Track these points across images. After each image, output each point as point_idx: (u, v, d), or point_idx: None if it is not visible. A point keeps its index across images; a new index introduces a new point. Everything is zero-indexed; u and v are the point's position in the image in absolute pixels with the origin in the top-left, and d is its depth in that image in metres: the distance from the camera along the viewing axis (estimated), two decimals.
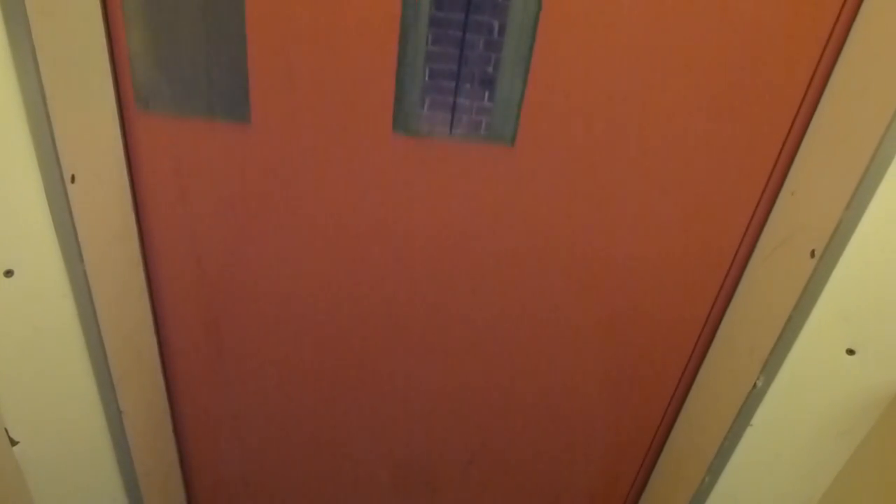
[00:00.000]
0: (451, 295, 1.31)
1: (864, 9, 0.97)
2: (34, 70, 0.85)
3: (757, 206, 1.16)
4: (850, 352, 1.07)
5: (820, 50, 1.02)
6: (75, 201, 0.97)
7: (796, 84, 1.05)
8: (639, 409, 1.48)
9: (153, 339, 1.35)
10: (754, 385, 1.14)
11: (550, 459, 1.59)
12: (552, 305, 1.31)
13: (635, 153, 1.13)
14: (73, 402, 1.14)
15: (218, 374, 1.44)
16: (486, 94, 1.07)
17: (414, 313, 1.34)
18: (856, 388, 1.11)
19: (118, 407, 1.18)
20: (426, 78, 1.06)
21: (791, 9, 0.99)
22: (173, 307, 1.33)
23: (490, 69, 1.05)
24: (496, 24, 1.01)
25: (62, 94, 0.91)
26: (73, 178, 0.96)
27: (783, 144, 1.10)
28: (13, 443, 1.14)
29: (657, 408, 1.47)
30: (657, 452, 1.56)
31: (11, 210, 0.94)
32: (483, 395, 1.47)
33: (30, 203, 0.94)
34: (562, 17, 1.01)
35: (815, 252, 1.01)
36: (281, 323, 1.36)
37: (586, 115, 1.09)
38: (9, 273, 0.98)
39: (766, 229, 1.17)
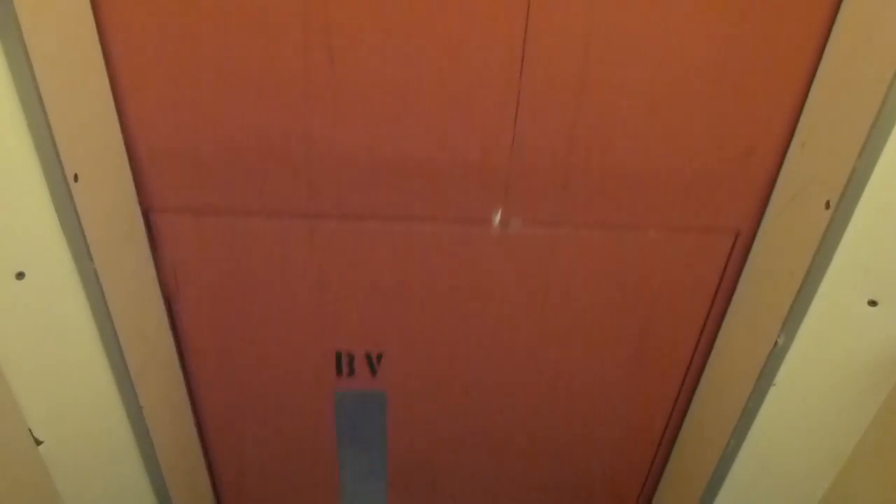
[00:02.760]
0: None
1: None
2: (28, 70, 0.85)
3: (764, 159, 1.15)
4: (873, 303, 1.05)
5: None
6: (80, 201, 0.97)
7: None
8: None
9: (168, 334, 1.35)
10: (775, 343, 1.12)
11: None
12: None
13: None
14: (93, 399, 1.15)
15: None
16: None
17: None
18: (881, 339, 1.09)
19: (138, 402, 1.19)
20: None
21: None
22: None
23: None
24: None
25: (58, 93, 0.91)
26: (76, 178, 0.96)
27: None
28: (38, 442, 1.15)
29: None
30: (680, 418, 1.55)
31: (17, 212, 0.94)
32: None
33: (35, 204, 0.94)
34: None
35: (830, 203, 0.99)
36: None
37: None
38: (20, 275, 0.99)
39: (778, 183, 1.15)
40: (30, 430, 1.14)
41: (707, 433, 1.40)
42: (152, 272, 1.26)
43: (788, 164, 1.12)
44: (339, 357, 1.44)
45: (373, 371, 1.47)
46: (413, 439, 1.62)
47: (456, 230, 1.26)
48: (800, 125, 1.09)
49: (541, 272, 1.32)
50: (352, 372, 1.47)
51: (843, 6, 0.99)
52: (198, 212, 1.22)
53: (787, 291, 1.08)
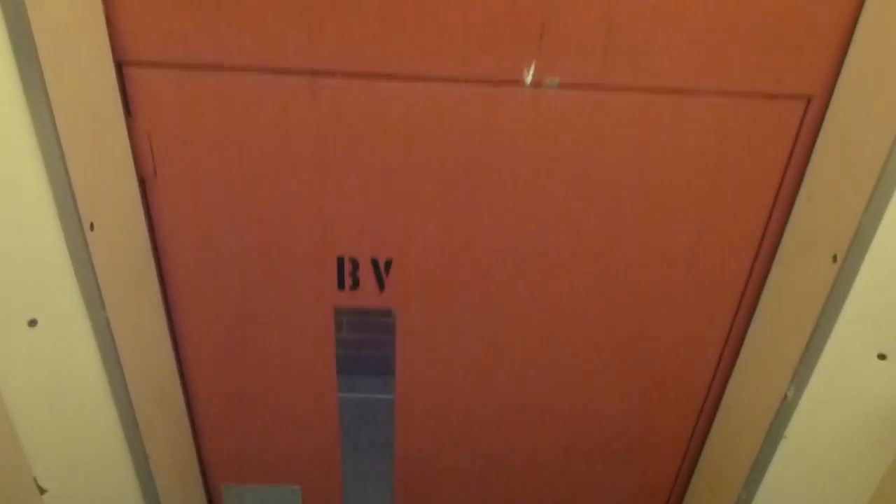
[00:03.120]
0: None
1: (867, 14, 0.97)
2: (50, 121, 0.87)
3: (772, 211, 1.15)
4: (882, 356, 1.05)
5: (827, 53, 1.02)
6: (95, 249, 0.98)
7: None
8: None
9: (177, 383, 1.35)
10: (785, 395, 1.11)
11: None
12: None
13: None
14: (99, 447, 1.14)
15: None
16: None
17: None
18: (891, 392, 1.09)
19: (144, 451, 1.18)
20: None
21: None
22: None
23: None
24: None
25: (78, 143, 0.93)
26: (91, 226, 0.97)
27: (793, 147, 1.10)
28: (42, 491, 1.14)
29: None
30: (690, 470, 1.53)
31: (33, 260, 0.95)
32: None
33: (50, 252, 0.95)
34: None
35: (837, 257, 1.00)
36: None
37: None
38: (32, 322, 1.00)
39: (785, 235, 1.16)
40: (34, 479, 1.13)
41: (718, 486, 1.38)
42: (163, 321, 1.27)
43: (795, 217, 1.13)
44: (341, 265, 1.22)
45: (380, 283, 1.24)
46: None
47: (481, 91, 1.04)
48: (806, 178, 1.11)
49: (580, 143, 1.10)
50: (355, 284, 1.24)
51: (846, 67, 1.01)
52: (180, 66, 1.03)
53: (795, 344, 1.08)
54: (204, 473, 1.54)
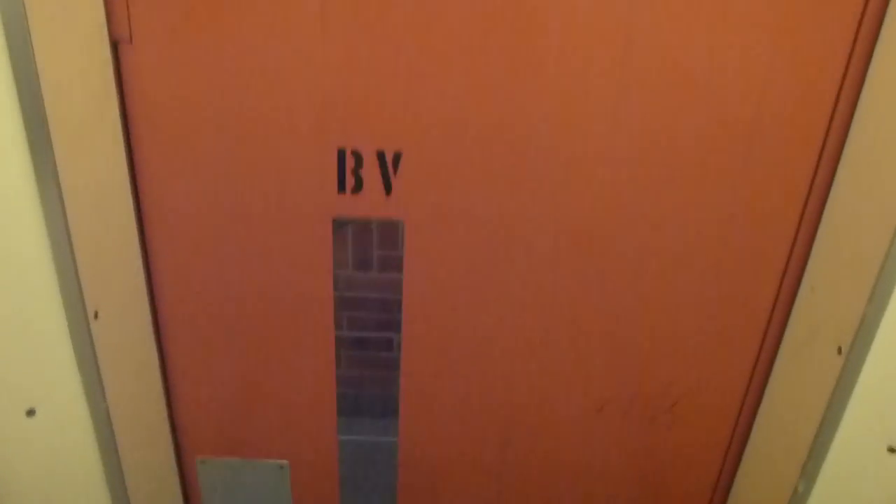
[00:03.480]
0: None
1: (863, 105, 1.00)
2: (60, 209, 0.88)
3: (776, 301, 1.16)
4: (892, 450, 1.03)
5: (819, 149, 1.05)
6: (98, 338, 0.98)
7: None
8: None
9: (175, 476, 1.32)
10: (795, 490, 1.09)
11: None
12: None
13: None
14: None
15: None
16: None
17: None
18: None
19: None
20: None
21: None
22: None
23: None
24: None
25: (87, 232, 0.93)
26: (96, 315, 0.97)
27: (795, 238, 1.11)
28: None
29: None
30: None
31: (34, 349, 0.95)
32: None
33: (53, 341, 0.95)
34: None
35: (842, 349, 1.00)
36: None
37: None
38: (31, 412, 0.98)
39: (788, 326, 1.16)
40: None
41: None
42: (163, 411, 1.25)
43: (798, 308, 1.14)
44: (342, 160, 1.04)
45: (386, 184, 1.06)
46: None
47: None
48: (808, 269, 1.11)
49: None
50: (358, 185, 1.06)
51: (845, 154, 1.04)
52: None
53: (803, 437, 1.07)
54: (176, 444, 1.36)
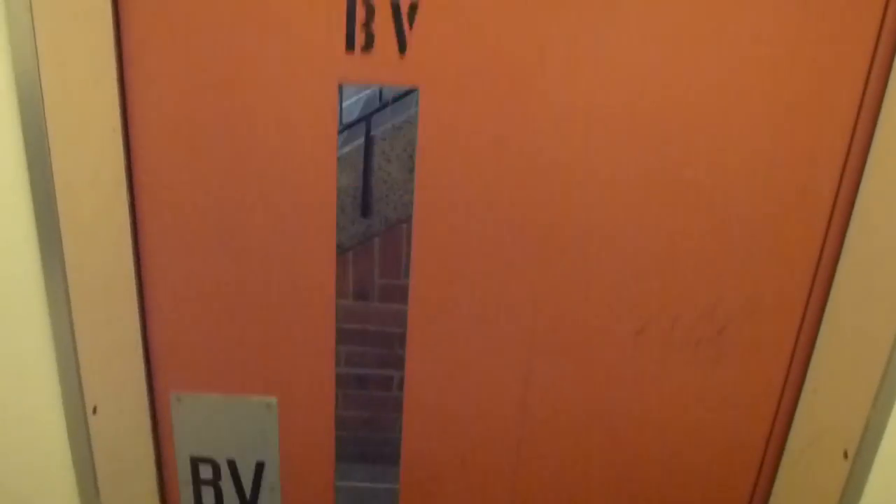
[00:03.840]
0: None
1: (860, 209, 1.02)
2: (65, 305, 0.88)
3: (779, 405, 1.15)
4: None
5: (820, 247, 1.06)
6: (95, 433, 0.97)
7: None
8: None
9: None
10: None
11: None
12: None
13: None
14: None
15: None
16: None
17: None
18: None
19: None
20: None
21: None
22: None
23: None
24: None
25: (90, 326, 0.94)
26: (94, 410, 0.96)
27: (797, 340, 1.11)
28: None
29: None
30: None
31: (29, 444, 0.94)
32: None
33: (49, 437, 0.94)
34: None
35: (848, 453, 0.98)
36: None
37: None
38: None
39: (792, 430, 1.14)
40: None
41: None
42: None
43: (802, 411, 1.12)
44: (351, 9, 0.94)
45: (400, 40, 0.96)
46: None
47: None
48: (809, 372, 1.11)
49: None
50: (369, 41, 0.95)
51: (844, 257, 1.05)
52: None
53: None
54: (149, 377, 1.20)
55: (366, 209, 1.94)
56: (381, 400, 1.62)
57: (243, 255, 1.10)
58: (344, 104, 2.41)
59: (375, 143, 2.01)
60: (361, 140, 2.02)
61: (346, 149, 2.03)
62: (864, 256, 0.99)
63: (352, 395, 1.28)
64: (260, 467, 1.24)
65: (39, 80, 0.81)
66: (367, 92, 2.50)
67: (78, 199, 0.90)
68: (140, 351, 1.11)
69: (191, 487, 1.25)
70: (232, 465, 1.25)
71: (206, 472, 1.25)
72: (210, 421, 1.21)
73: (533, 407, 1.18)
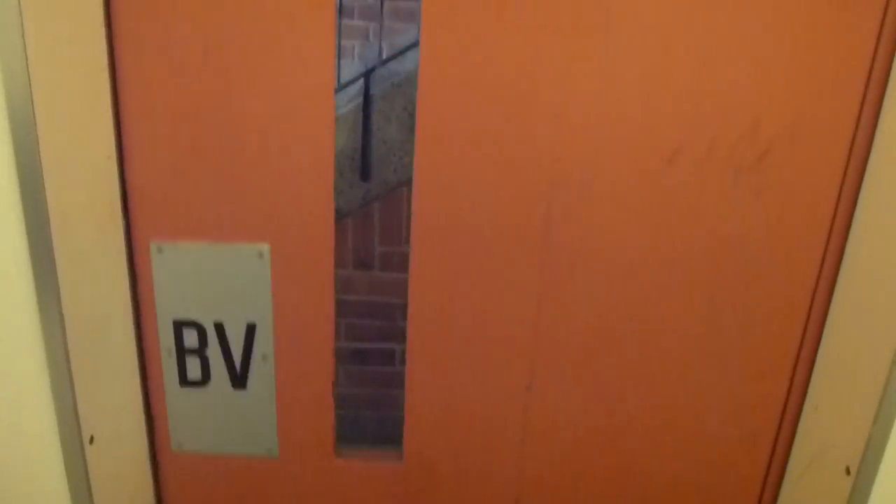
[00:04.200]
0: None
1: (858, 226, 1.02)
2: (61, 335, 0.87)
3: (781, 422, 1.15)
4: None
5: (819, 263, 1.06)
6: (92, 463, 0.95)
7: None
8: None
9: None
10: None
11: None
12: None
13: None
14: None
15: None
16: None
17: None
18: None
19: None
20: None
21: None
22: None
23: None
24: None
25: (86, 352, 0.93)
26: (91, 439, 0.95)
27: (798, 357, 1.11)
28: None
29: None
30: None
31: (26, 474, 0.92)
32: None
33: (45, 466, 0.93)
34: None
35: (850, 469, 0.98)
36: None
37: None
38: None
39: (794, 447, 1.15)
40: None
41: None
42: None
43: (803, 428, 1.12)
44: None
45: None
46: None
47: None
48: (810, 389, 1.11)
49: None
50: None
51: (842, 274, 1.06)
52: None
53: None
54: (127, 225, 1.09)
55: (365, 172, 1.82)
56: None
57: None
58: (342, 62, 2.36)
59: (374, 101, 1.94)
60: (360, 100, 1.95)
61: (344, 110, 1.96)
62: (863, 272, 1.00)
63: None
64: (251, 330, 1.12)
65: (32, 106, 0.80)
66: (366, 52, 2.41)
67: (72, 225, 0.88)
68: (137, 380, 1.09)
69: (174, 358, 1.13)
70: (220, 328, 1.12)
71: (190, 339, 1.12)
72: (195, 275, 1.09)
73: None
